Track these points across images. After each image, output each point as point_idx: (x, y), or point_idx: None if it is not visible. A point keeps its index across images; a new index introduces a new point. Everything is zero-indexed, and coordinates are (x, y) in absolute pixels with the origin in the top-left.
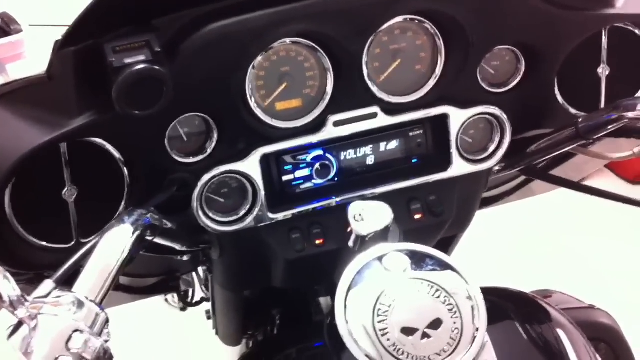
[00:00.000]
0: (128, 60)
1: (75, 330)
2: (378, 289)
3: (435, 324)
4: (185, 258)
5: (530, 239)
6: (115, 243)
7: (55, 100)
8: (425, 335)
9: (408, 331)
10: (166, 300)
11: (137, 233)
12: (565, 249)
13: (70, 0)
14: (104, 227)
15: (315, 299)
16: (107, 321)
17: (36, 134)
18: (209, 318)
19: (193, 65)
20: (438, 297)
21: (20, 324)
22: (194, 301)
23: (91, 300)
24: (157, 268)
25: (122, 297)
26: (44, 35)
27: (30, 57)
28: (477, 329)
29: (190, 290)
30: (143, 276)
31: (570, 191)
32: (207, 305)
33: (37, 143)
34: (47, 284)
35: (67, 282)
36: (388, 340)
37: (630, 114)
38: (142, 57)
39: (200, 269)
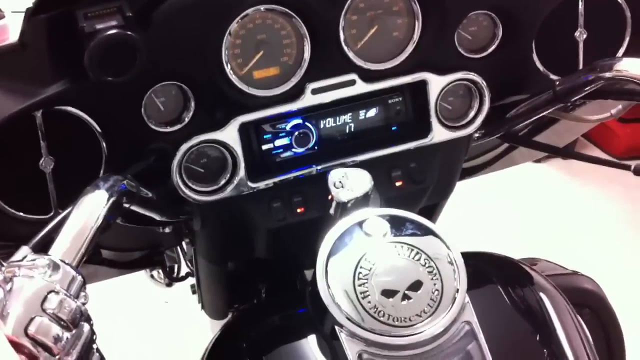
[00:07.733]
0: (99, 26)
1: (51, 291)
2: (358, 254)
3: (416, 285)
4: (167, 230)
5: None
6: (90, 208)
7: (28, 69)
8: (405, 297)
9: (388, 293)
10: (152, 276)
11: (112, 199)
12: (547, 216)
13: None
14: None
15: (301, 271)
16: (83, 284)
17: (9, 103)
18: (194, 292)
19: (167, 32)
20: (418, 259)
21: None
22: (179, 276)
23: (67, 263)
24: (140, 241)
25: (107, 272)
26: None
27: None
28: (457, 290)
29: (176, 266)
30: (126, 249)
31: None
32: (192, 281)
33: (10, 112)
34: (23, 250)
35: (44, 249)
36: (369, 302)
37: (607, 74)
38: (113, 23)
39: (184, 243)
